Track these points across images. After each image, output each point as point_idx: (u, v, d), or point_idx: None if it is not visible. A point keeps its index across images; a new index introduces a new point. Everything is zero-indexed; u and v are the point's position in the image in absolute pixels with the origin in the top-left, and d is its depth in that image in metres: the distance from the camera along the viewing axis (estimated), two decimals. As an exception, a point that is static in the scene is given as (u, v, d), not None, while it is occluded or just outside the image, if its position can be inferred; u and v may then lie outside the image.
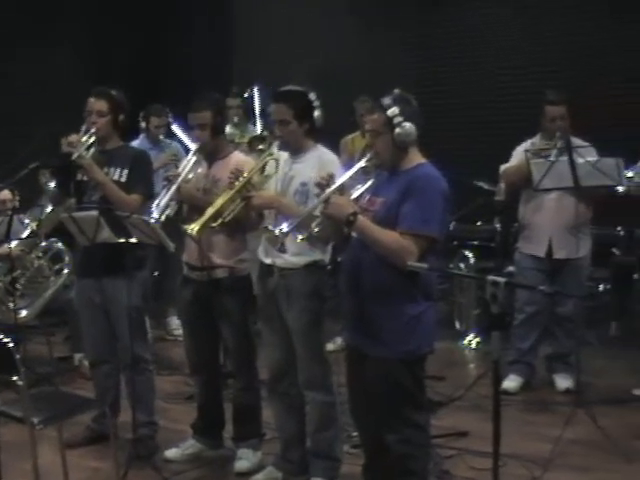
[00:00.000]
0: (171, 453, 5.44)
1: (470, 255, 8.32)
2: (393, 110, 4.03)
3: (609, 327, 8.16)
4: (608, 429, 5.64)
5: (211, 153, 5.22)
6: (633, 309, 8.23)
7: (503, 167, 6.74)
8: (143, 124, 7.96)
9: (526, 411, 6.37)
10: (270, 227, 4.33)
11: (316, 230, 4.17)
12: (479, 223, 9.09)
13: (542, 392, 6.75)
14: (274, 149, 4.88)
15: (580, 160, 6.16)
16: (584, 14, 9.14)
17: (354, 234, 4.07)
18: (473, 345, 8.07)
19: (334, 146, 6.82)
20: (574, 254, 6.53)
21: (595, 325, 7.96)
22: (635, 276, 8.00)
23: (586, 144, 6.42)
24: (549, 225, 6.57)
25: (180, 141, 7.86)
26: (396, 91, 4.18)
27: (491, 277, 3.43)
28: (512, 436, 5.47)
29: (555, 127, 6.45)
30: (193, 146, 5.29)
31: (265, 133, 5.58)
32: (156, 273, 7.85)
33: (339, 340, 6.08)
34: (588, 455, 5.46)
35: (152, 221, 4.84)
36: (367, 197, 4.20)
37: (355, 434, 4.99)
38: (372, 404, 4.13)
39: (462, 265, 8.27)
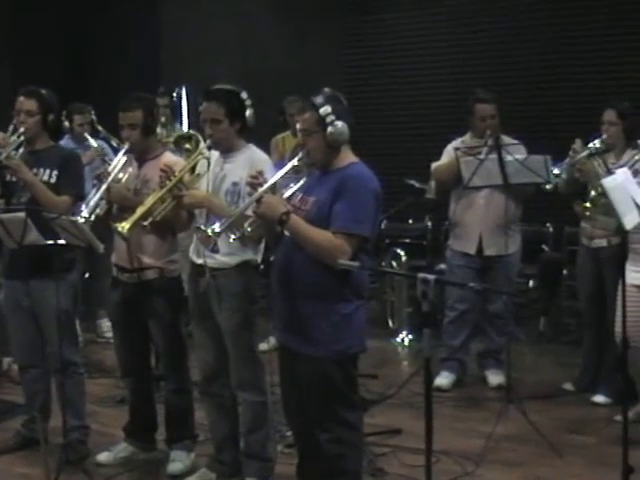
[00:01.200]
0: (103, 457, 5.37)
1: (402, 253, 8.35)
2: (325, 109, 4.02)
3: (538, 323, 8.26)
4: (539, 424, 5.71)
5: (141, 153, 5.16)
6: (561, 305, 8.34)
7: (434, 165, 6.78)
8: (67, 123, 7.85)
9: (458, 407, 6.42)
10: (202, 227, 4.31)
11: (248, 230, 4.17)
12: (411, 221, 9.17)
13: (474, 388, 6.82)
14: (205, 148, 4.84)
15: (509, 158, 6.23)
16: (506, 17, 9.24)
17: (286, 233, 4.06)
18: (406, 343, 8.11)
19: (264, 146, 6.84)
20: (504, 251, 6.60)
21: (524, 321, 8.07)
22: (565, 272, 8.10)
23: (515, 142, 6.50)
24: (479, 222, 6.63)
25: (105, 138, 7.80)
26: (326, 90, 4.17)
27: (421, 275, 3.44)
28: (445, 432, 5.56)
29: (485, 125, 6.51)
30: (125, 145, 5.21)
31: (191, 132, 5.53)
32: (87, 275, 7.76)
33: (273, 340, 6.06)
34: (519, 450, 5.52)
35: (81, 220, 4.77)
36: (299, 196, 4.19)
37: (289, 434, 4.99)
38: (304, 403, 4.12)
39: (394, 263, 8.31)
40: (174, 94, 8.03)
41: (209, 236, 4.17)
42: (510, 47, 9.17)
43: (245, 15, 10.44)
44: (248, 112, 4.75)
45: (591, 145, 6.05)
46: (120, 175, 5.06)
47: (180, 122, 7.93)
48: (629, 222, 4.35)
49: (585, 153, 5.96)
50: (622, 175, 4.61)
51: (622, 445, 4.21)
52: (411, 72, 9.70)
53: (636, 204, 4.41)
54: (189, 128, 7.37)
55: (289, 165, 4.18)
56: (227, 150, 4.78)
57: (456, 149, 6.50)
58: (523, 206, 6.77)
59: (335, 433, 4.08)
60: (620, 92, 7.06)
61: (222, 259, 4.64)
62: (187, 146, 5.43)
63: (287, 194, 4.19)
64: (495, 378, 6.74)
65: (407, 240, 8.85)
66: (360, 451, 4.35)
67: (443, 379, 6.76)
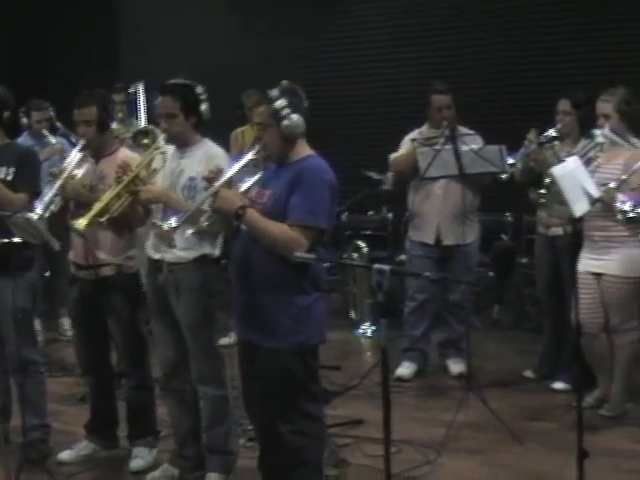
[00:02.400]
0: (65, 455, 5.35)
1: (363, 245, 8.38)
2: (280, 102, 4.03)
3: (492, 311, 8.34)
4: (499, 411, 5.77)
5: (97, 149, 5.14)
6: (521, 293, 8.41)
7: (392, 156, 6.81)
8: (25, 120, 7.79)
9: (420, 397, 6.47)
10: (159, 222, 4.30)
11: (205, 224, 4.17)
12: (371, 213, 9.19)
13: (435, 378, 6.87)
14: (161, 143, 4.83)
15: (464, 148, 6.28)
16: (461, 9, 9.30)
17: (243, 227, 4.07)
18: (368, 334, 8.15)
19: (224, 139, 6.84)
20: (462, 240, 6.64)
21: (480, 310, 8.13)
22: (524, 260, 8.16)
23: (471, 132, 6.55)
24: (437, 213, 6.67)
25: (64, 135, 7.75)
26: (284, 83, 4.18)
27: (376, 265, 3.46)
28: (407, 422, 5.62)
29: (442, 116, 6.55)
30: (81, 141, 5.19)
31: (149, 127, 5.52)
32: (47, 273, 7.72)
33: (233, 334, 6.06)
34: (480, 437, 5.58)
35: (35, 217, 4.75)
36: (256, 189, 4.20)
37: (251, 427, 4.99)
38: (265, 396, 4.13)
39: (355, 255, 8.34)
40: (131, 90, 7.98)
41: (166, 231, 4.18)
42: (466, 38, 9.22)
43: (203, 9, 10.42)
44: (203, 106, 4.76)
45: (546, 135, 6.11)
46: (76, 172, 5.04)
47: (137, 117, 7.90)
48: (578, 210, 4.39)
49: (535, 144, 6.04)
50: (572, 164, 4.66)
51: (577, 430, 4.24)
52: (370, 64, 9.73)
53: (586, 192, 4.46)
54: (147, 123, 7.33)
55: (245, 159, 4.19)
56: (183, 145, 4.78)
57: (413, 140, 6.54)
58: (482, 196, 6.82)
59: (296, 425, 4.10)
60: (574, 82, 7.11)
61: (179, 254, 4.64)
62: (145, 141, 5.41)
63: (243, 188, 4.21)
64: (456, 367, 6.78)
65: (368, 232, 8.88)
66: (322, 442, 4.36)
67: (404, 369, 6.80)
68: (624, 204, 3.12)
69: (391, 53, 9.62)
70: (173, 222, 4.20)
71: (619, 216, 3.17)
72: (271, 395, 4.11)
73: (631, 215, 3.08)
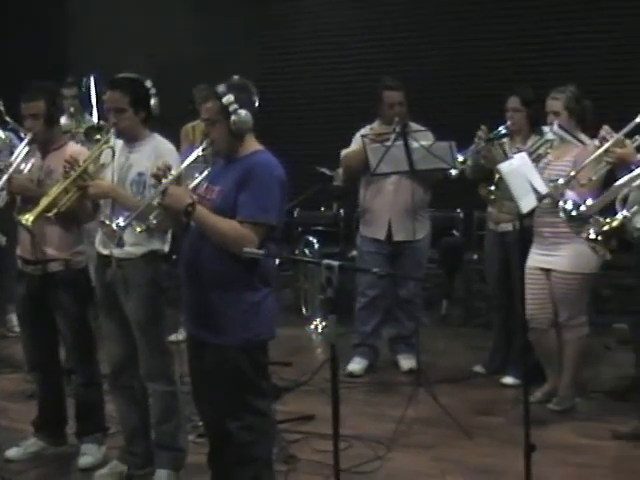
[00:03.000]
0: (12, 452, 5.29)
1: (314, 241, 8.39)
2: (228, 98, 4.01)
3: (440, 307, 8.40)
4: (449, 406, 5.81)
5: (45, 144, 5.10)
6: (472, 289, 8.47)
7: (343, 152, 6.82)
8: (-29, 114, 7.68)
9: (371, 392, 6.49)
10: (107, 221, 4.28)
11: (154, 222, 4.15)
12: (322, 209, 9.20)
13: (386, 373, 6.89)
14: (110, 137, 4.80)
15: (415, 144, 6.30)
16: (415, 6, 9.33)
17: (193, 224, 4.05)
18: (319, 330, 8.15)
19: (175, 134, 6.81)
20: (413, 236, 6.66)
21: (430, 306, 8.17)
22: (474, 256, 8.20)
23: (423, 129, 6.57)
24: (388, 208, 6.69)
25: (13, 129, 7.65)
26: (233, 78, 4.17)
27: (326, 261, 3.46)
28: (357, 417, 5.64)
29: (393, 112, 6.57)
30: (28, 135, 5.13)
31: (102, 123, 5.48)
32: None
33: (183, 330, 6.03)
34: (430, 433, 5.61)
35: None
36: (204, 185, 4.18)
37: (201, 423, 4.97)
38: (214, 392, 4.12)
39: (307, 251, 8.34)
40: (82, 84, 7.91)
41: (114, 230, 4.16)
42: (418, 35, 9.26)
43: (155, 2, 10.35)
44: (153, 101, 4.73)
45: (496, 132, 6.16)
46: (23, 166, 4.99)
47: (90, 112, 7.82)
48: (525, 206, 4.42)
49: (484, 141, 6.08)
50: (519, 160, 4.68)
51: (524, 425, 4.28)
52: (323, 60, 9.74)
53: (533, 188, 4.49)
54: (99, 118, 7.27)
55: (193, 155, 4.17)
56: (132, 139, 4.75)
57: (363, 136, 6.55)
58: (433, 192, 6.85)
59: (245, 421, 4.09)
60: (524, 79, 7.15)
61: (128, 249, 4.60)
62: (98, 137, 5.35)
63: (192, 184, 4.19)
64: (407, 362, 6.81)
65: (319, 228, 8.90)
66: (271, 438, 4.37)
67: (355, 365, 6.81)
68: (566, 202, 3.15)
69: (343, 49, 9.64)
70: (121, 221, 4.18)
71: (561, 214, 3.20)
72: (220, 392, 4.09)
73: (573, 214, 3.11)
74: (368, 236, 6.83)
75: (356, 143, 6.75)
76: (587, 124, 5.80)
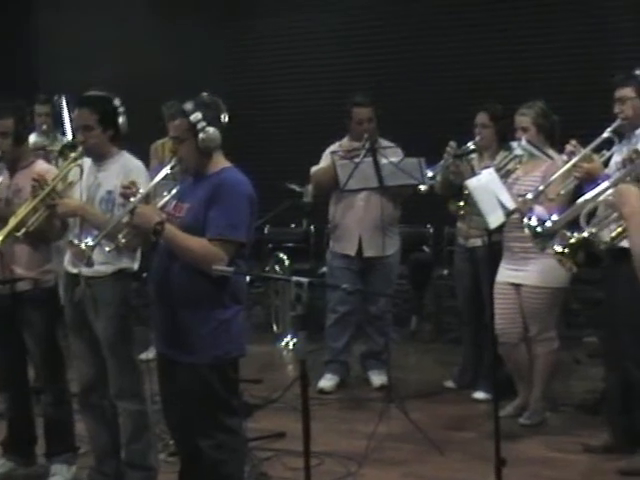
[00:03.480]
0: (-20, 474, 5.26)
1: (285, 257, 8.38)
2: (195, 116, 4.02)
3: (410, 322, 8.41)
4: (420, 422, 5.81)
5: (13, 162, 5.06)
6: (442, 304, 8.49)
7: (313, 169, 6.84)
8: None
9: (342, 409, 6.49)
10: (75, 241, 4.27)
11: (123, 241, 4.14)
12: (293, 225, 9.20)
13: (358, 390, 6.89)
14: (78, 155, 4.78)
15: (384, 161, 6.33)
16: (383, 22, 9.37)
17: (162, 242, 4.04)
18: (290, 347, 8.14)
19: (144, 151, 6.79)
20: (383, 252, 6.69)
21: (400, 322, 8.18)
22: (445, 272, 8.22)
23: (392, 145, 6.60)
24: (358, 224, 6.71)
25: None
26: (203, 95, 4.17)
27: (295, 278, 3.47)
28: (328, 434, 5.64)
29: (362, 129, 6.59)
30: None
31: (77, 140, 5.46)
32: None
33: (153, 349, 6.01)
34: (401, 448, 5.61)
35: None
36: (173, 203, 4.18)
37: (172, 442, 4.95)
38: (185, 411, 4.11)
39: (277, 267, 8.33)
40: (54, 102, 7.87)
41: (83, 251, 4.15)
42: (388, 52, 9.29)
43: (124, 19, 10.33)
44: (121, 119, 4.71)
45: (464, 147, 6.20)
46: (-11, 186, 4.96)
47: (62, 132, 7.78)
48: (493, 221, 4.46)
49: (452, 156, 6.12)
50: (487, 176, 4.73)
51: (495, 439, 4.30)
52: (292, 76, 9.75)
53: (501, 204, 4.52)
54: (73, 136, 7.23)
55: (162, 173, 4.19)
56: (100, 157, 4.73)
57: (333, 153, 6.57)
58: (404, 208, 6.88)
59: (216, 439, 4.08)
60: (493, 95, 7.19)
61: (97, 268, 4.56)
62: (72, 155, 5.34)
63: (161, 202, 4.18)
64: (378, 379, 6.81)
65: (290, 244, 8.90)
66: (242, 456, 4.36)
67: (327, 381, 6.81)
68: (530, 219, 3.17)
69: (313, 66, 9.65)
70: (90, 241, 4.17)
71: (526, 230, 3.22)
72: (191, 410, 4.08)
73: (538, 230, 3.13)
74: (338, 252, 6.84)
75: (326, 160, 6.77)
76: (555, 139, 5.85)
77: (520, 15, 8.78)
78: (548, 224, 3.13)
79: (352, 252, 6.74)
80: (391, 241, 6.76)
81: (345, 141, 6.81)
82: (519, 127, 5.84)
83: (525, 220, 3.25)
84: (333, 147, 6.79)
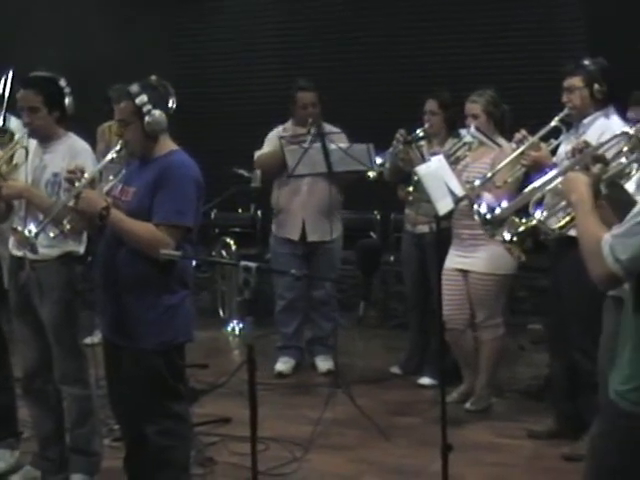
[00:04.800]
0: None
1: (232, 242, 8.35)
2: (142, 98, 3.98)
3: (358, 308, 8.42)
4: (366, 407, 5.83)
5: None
6: (389, 290, 8.51)
7: (257, 154, 6.81)
8: None
9: (289, 394, 6.47)
10: (19, 227, 4.21)
11: (68, 226, 4.10)
12: (240, 210, 9.17)
13: (305, 375, 6.89)
14: (23, 137, 4.71)
15: (332, 146, 6.32)
16: (330, 7, 9.34)
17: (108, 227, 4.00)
18: (237, 332, 8.11)
19: (93, 134, 6.72)
20: (327, 237, 6.70)
21: (347, 308, 8.19)
22: (392, 258, 8.23)
23: (337, 130, 6.59)
24: (302, 209, 6.71)
25: None
26: (150, 78, 4.13)
27: (243, 263, 3.45)
28: (275, 419, 5.62)
29: (307, 113, 6.58)
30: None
31: (6, 126, 5.37)
32: None
33: (98, 333, 5.96)
34: (347, 434, 5.62)
35: None
36: (119, 187, 4.14)
37: (117, 427, 4.91)
38: (130, 397, 4.08)
39: (224, 252, 8.29)
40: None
41: (27, 237, 4.10)
42: (335, 37, 9.25)
43: (75, 5, 10.19)
44: (67, 100, 4.64)
45: (414, 134, 6.20)
46: None
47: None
48: (442, 208, 4.47)
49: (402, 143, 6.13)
50: (436, 163, 4.74)
51: (441, 425, 4.32)
52: (240, 60, 9.69)
53: (450, 190, 4.53)
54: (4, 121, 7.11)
55: (108, 157, 4.15)
56: (46, 139, 4.66)
57: (281, 137, 6.55)
58: (351, 194, 6.88)
59: (162, 425, 4.07)
60: (443, 82, 7.20)
61: (43, 251, 4.49)
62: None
63: (107, 187, 4.14)
64: (324, 364, 6.81)
65: (237, 229, 8.87)
66: (188, 442, 4.34)
67: (283, 364, 6.83)
68: (480, 205, 3.19)
69: (258, 50, 9.58)
70: (33, 227, 4.12)
71: (476, 217, 3.24)
72: (136, 395, 4.06)
73: (487, 217, 3.14)
74: (282, 237, 6.82)
75: (269, 144, 6.75)
76: (505, 127, 5.88)
77: (472, 3, 8.79)
78: (497, 211, 3.14)
79: (296, 237, 6.73)
80: (334, 226, 6.76)
81: (289, 125, 6.79)
82: (469, 114, 5.87)
83: (475, 207, 3.26)
84: (276, 131, 6.77)
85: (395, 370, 6.81)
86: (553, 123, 5.12)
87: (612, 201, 2.90)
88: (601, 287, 2.71)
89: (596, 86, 5.13)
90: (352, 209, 7.13)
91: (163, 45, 9.86)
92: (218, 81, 9.77)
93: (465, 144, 5.74)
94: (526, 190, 3.19)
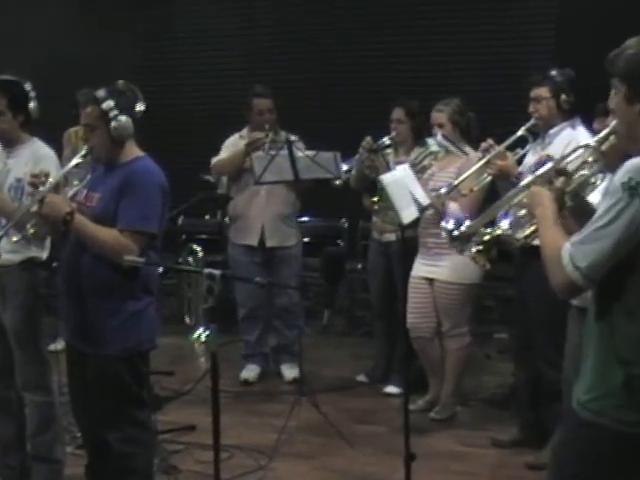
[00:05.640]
0: None
1: (198, 249, 8.31)
2: (108, 103, 3.95)
3: (322, 316, 8.42)
4: (331, 415, 5.82)
5: None
6: (355, 298, 8.52)
7: (214, 160, 6.79)
8: None
9: (254, 402, 6.44)
10: None
11: (31, 231, 4.07)
12: (207, 217, 9.14)
13: (270, 382, 6.87)
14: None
15: (299, 154, 6.31)
16: (292, 14, 9.35)
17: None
18: (202, 339, 8.07)
19: (59, 139, 6.68)
20: (286, 242, 6.69)
21: (312, 316, 8.19)
22: (359, 266, 8.23)
23: (294, 137, 6.58)
24: (261, 214, 6.68)
25: None
26: (118, 83, 4.11)
27: (207, 270, 3.44)
28: (240, 427, 5.62)
29: (263, 120, 6.58)
30: None
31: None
32: None
33: (62, 340, 5.91)
34: (312, 442, 5.62)
35: None
36: (84, 192, 4.11)
37: (79, 434, 4.87)
38: (93, 404, 4.05)
39: (191, 259, 8.25)
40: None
41: None
42: (300, 45, 9.25)
43: (36, 3, 10.13)
44: (32, 104, 4.61)
45: (380, 142, 6.21)
46: None
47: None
48: (406, 217, 4.49)
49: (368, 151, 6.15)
50: (401, 171, 4.76)
51: (404, 433, 4.32)
52: (207, 66, 9.67)
53: (414, 199, 4.54)
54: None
55: (73, 162, 4.11)
56: (10, 144, 4.63)
57: (246, 145, 6.54)
58: (320, 201, 6.88)
59: (125, 432, 4.03)
60: (409, 91, 7.22)
61: (5, 256, 4.47)
62: None
63: (71, 192, 4.12)
64: (290, 372, 6.78)
65: (204, 236, 8.83)
66: (151, 449, 4.31)
67: (249, 372, 6.81)
68: (448, 222, 3.20)
69: (224, 56, 9.59)
70: None
71: (443, 233, 3.25)
72: (99, 402, 4.03)
73: (455, 233, 3.15)
74: (240, 243, 6.79)
75: (226, 151, 6.74)
76: (471, 136, 5.90)
77: (438, 11, 8.82)
78: (464, 228, 3.16)
79: (255, 242, 6.70)
80: (294, 231, 6.77)
81: (245, 132, 6.78)
82: (435, 123, 5.89)
83: (443, 223, 3.27)
84: (234, 138, 6.77)
85: (361, 378, 6.81)
86: (520, 132, 5.15)
87: (576, 213, 2.93)
88: (561, 295, 2.72)
89: (563, 97, 5.16)
90: (320, 216, 7.13)
91: (132, 50, 9.83)
92: (185, 87, 9.73)
93: (431, 153, 5.77)
94: (493, 206, 3.21)
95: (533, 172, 3.04)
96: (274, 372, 7.00)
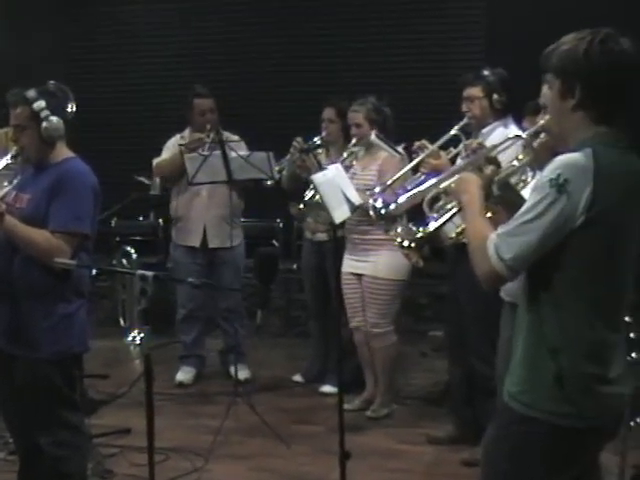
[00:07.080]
0: None
1: (132, 251, 8.23)
2: (39, 104, 3.92)
3: (256, 316, 8.42)
4: (267, 416, 5.81)
5: None
6: (291, 298, 8.52)
7: (155, 161, 6.75)
8: None
9: (190, 404, 6.42)
10: None
11: None
12: (140, 218, 9.07)
13: (206, 384, 6.84)
14: None
15: (232, 154, 6.29)
16: (235, 14, 9.34)
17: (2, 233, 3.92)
18: (137, 341, 8.00)
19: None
20: (228, 243, 6.65)
21: (247, 316, 8.16)
22: (294, 266, 8.23)
23: (236, 138, 6.56)
24: (203, 215, 6.65)
25: None
26: (49, 83, 4.07)
27: (139, 271, 3.41)
28: (176, 429, 5.60)
29: (204, 120, 6.55)
30: None
31: None
32: None
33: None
34: (248, 443, 5.61)
35: None
36: (13, 194, 4.05)
37: (12, 440, 4.80)
38: (24, 408, 3.99)
39: (124, 261, 8.16)
40: None
41: None
42: (234, 45, 9.25)
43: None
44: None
45: (311, 142, 6.22)
46: None
47: None
48: (339, 216, 4.50)
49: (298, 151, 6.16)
50: (333, 171, 4.76)
51: (339, 432, 4.33)
52: (142, 66, 9.60)
53: (346, 199, 4.56)
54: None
55: (2, 163, 4.05)
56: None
57: (180, 145, 6.50)
58: (254, 201, 6.85)
59: (57, 436, 3.98)
60: (340, 91, 7.24)
61: None
62: None
63: (1, 193, 4.05)
64: (241, 373, 6.62)
65: (137, 237, 8.75)
66: (84, 453, 4.26)
67: (184, 374, 6.77)
68: (376, 201, 3.22)
69: (162, 56, 9.53)
70: None
71: (371, 212, 3.27)
72: (30, 406, 3.97)
73: (382, 212, 3.17)
74: (182, 244, 6.76)
75: (167, 152, 6.70)
76: (389, 132, 5.91)
77: (370, 11, 8.86)
78: (392, 207, 3.17)
79: (197, 243, 6.67)
80: (236, 232, 6.73)
81: (186, 133, 6.74)
82: (352, 124, 5.93)
83: (370, 201, 3.29)
84: (175, 139, 6.72)
85: (297, 378, 6.81)
86: (452, 132, 5.19)
87: (504, 203, 2.95)
88: (485, 285, 2.74)
89: (495, 96, 5.22)
90: (254, 217, 7.10)
91: (63, 50, 9.74)
92: (118, 87, 9.66)
93: (352, 153, 5.83)
94: (420, 188, 3.21)
95: (463, 158, 3.06)
96: (214, 373, 6.97)
